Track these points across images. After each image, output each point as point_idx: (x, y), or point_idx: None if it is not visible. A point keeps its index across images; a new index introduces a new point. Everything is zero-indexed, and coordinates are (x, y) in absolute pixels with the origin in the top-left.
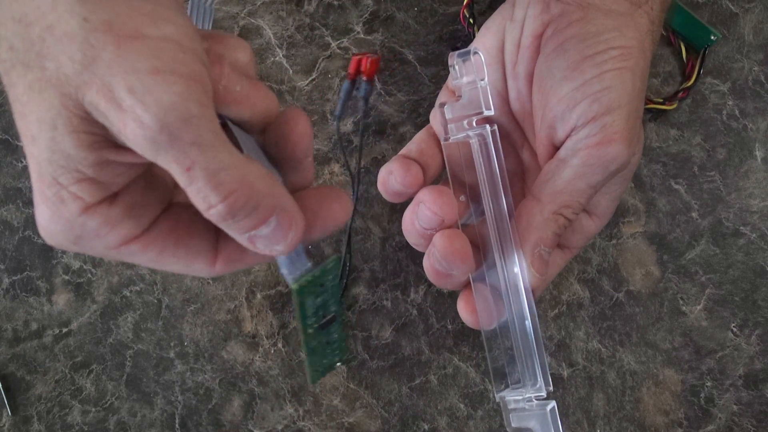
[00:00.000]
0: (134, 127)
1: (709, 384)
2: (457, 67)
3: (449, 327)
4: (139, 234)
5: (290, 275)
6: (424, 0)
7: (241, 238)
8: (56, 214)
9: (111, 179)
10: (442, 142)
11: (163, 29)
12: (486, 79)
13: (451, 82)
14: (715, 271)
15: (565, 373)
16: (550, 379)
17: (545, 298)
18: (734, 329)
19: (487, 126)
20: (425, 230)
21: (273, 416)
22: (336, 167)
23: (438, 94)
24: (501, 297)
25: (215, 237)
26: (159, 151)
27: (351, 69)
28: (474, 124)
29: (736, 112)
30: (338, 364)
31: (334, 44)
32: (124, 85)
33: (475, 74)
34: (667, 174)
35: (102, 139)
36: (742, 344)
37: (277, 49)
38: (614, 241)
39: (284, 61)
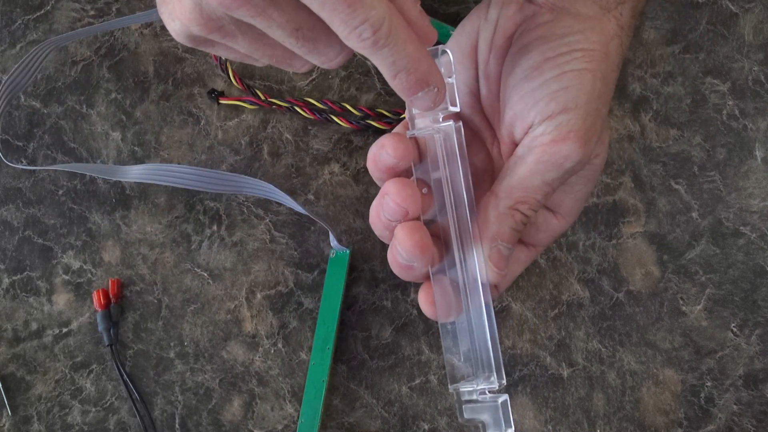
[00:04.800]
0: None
1: (709, 384)
2: None
3: None
4: None
5: None
6: (424, 0)
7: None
8: None
9: None
10: (407, 136)
11: None
12: (453, 76)
13: None
14: (715, 271)
15: (565, 373)
16: (504, 373)
17: (545, 298)
18: (734, 329)
19: (452, 122)
20: (390, 222)
21: (273, 416)
22: (336, 167)
23: None
24: (460, 290)
25: None
26: None
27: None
28: (440, 119)
29: (736, 112)
30: None
31: None
32: None
33: (443, 71)
34: (667, 174)
35: None
36: (742, 344)
37: None
38: (614, 241)
39: None
